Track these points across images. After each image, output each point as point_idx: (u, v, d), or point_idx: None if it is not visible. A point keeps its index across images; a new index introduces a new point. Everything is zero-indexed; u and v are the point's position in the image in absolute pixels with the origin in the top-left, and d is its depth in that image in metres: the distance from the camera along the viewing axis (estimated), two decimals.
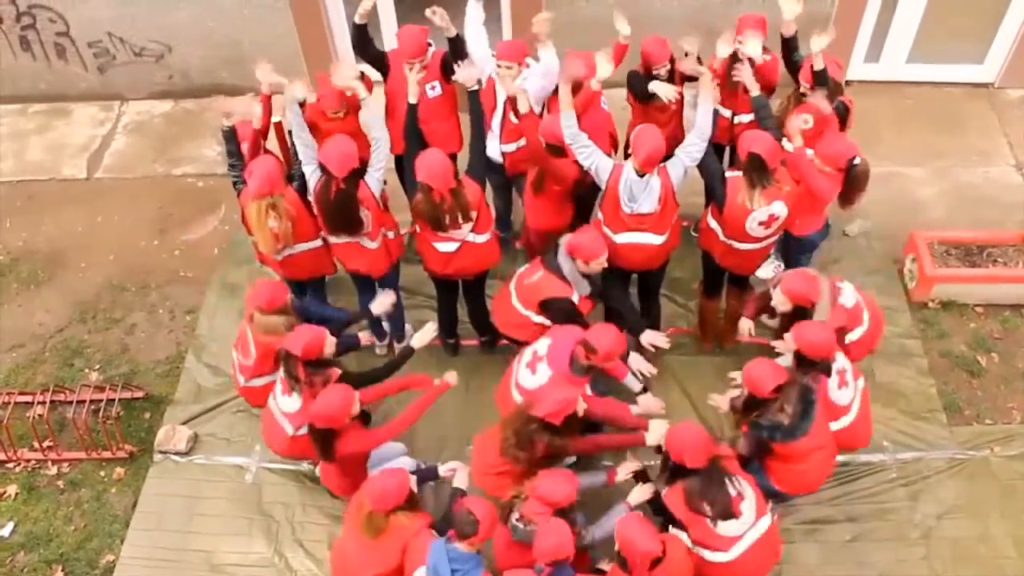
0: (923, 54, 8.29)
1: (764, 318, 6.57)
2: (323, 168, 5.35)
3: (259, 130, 5.81)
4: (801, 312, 5.12)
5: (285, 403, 5.19)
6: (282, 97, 5.60)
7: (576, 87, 5.63)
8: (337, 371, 5.14)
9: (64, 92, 8.74)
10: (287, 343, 5.04)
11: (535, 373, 5.11)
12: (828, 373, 4.94)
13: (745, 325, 5.59)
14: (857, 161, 5.40)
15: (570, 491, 4.49)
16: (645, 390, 5.33)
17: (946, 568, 5.38)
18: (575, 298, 5.40)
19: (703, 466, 4.48)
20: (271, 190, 5.34)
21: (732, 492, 4.49)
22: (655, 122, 5.73)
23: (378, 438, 5.06)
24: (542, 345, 5.18)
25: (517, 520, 4.50)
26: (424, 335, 5.47)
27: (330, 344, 5.10)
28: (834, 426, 5.02)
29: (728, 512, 4.47)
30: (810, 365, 4.88)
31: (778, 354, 5.12)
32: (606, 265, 5.38)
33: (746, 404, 4.84)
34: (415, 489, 4.61)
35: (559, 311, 5.39)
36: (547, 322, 5.43)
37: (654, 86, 5.89)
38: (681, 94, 5.86)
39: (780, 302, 5.18)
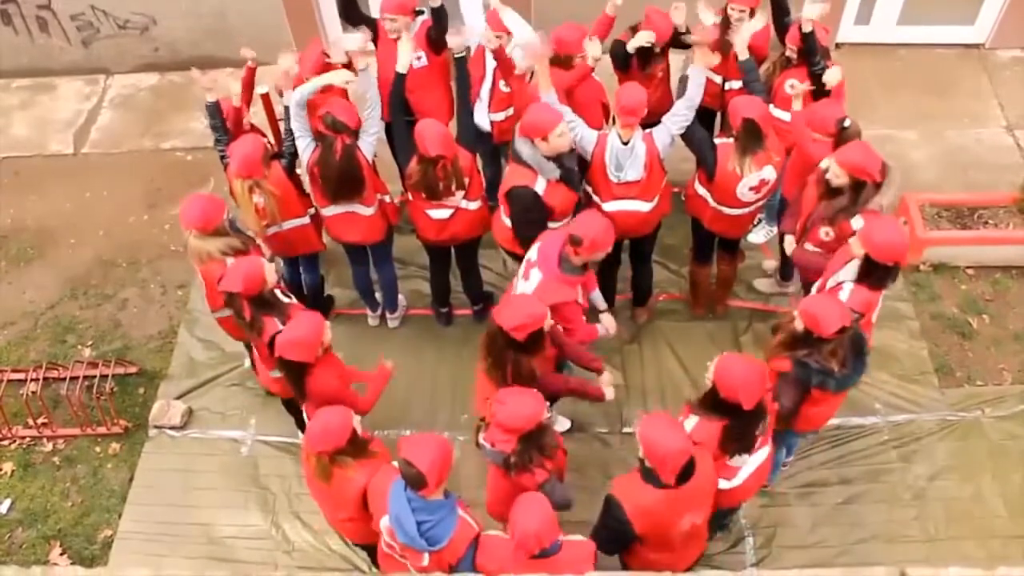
0: (914, 15, 8.24)
1: (757, 282, 6.63)
2: (322, 134, 5.30)
3: (238, 108, 5.76)
4: (859, 188, 4.82)
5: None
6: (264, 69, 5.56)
7: (567, 63, 5.60)
8: (275, 320, 4.68)
9: (48, 66, 8.64)
10: (224, 282, 4.70)
11: (527, 280, 4.93)
12: (892, 280, 4.58)
13: (789, 244, 5.33)
14: (847, 123, 5.37)
15: (533, 412, 4.06)
16: (607, 309, 5.26)
17: (938, 528, 5.43)
18: (540, 185, 5.12)
19: (753, 408, 4.04)
20: (249, 174, 5.27)
21: (759, 431, 4.22)
22: None
23: (355, 376, 4.80)
24: (533, 251, 4.97)
25: (484, 440, 4.19)
26: None
27: (271, 271, 4.74)
28: None
29: (748, 450, 4.24)
30: (880, 273, 4.51)
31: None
32: (570, 136, 5.11)
33: (796, 339, 4.37)
34: (359, 430, 4.16)
35: (519, 200, 5.17)
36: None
37: (636, 40, 5.85)
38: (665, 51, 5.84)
39: (836, 175, 4.88)
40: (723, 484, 4.37)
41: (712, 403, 4.17)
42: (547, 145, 5.05)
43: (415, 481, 3.80)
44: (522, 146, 5.11)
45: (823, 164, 5.03)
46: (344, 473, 4.12)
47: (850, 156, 4.89)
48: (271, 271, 4.77)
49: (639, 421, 4.01)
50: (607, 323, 5.23)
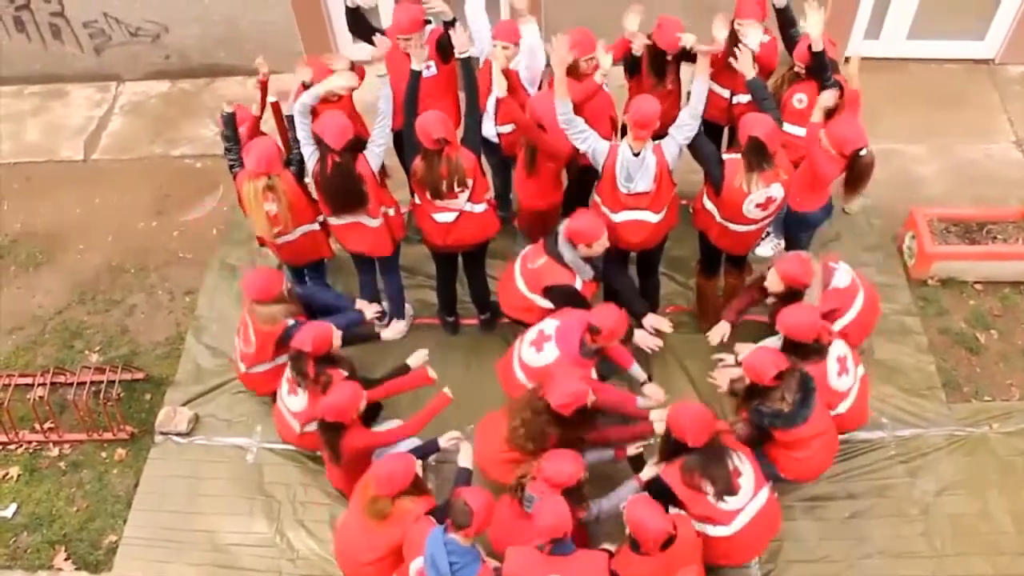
0: (923, 30, 8.24)
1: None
2: (319, 144, 5.33)
3: (258, 116, 5.81)
4: (793, 294, 5.19)
5: (292, 402, 5.32)
6: (276, 78, 5.57)
7: (579, 75, 5.61)
8: (342, 372, 5.21)
9: (60, 73, 8.68)
10: (295, 342, 5.17)
11: (541, 352, 5.15)
12: (822, 355, 5.00)
13: (719, 332, 5.55)
14: (864, 152, 5.35)
15: (575, 471, 4.52)
16: (650, 379, 5.46)
17: (944, 544, 5.40)
18: (578, 284, 5.41)
19: (703, 444, 4.54)
20: (268, 170, 5.33)
21: (730, 467, 4.58)
22: None
23: (383, 439, 5.13)
24: (549, 325, 5.22)
25: (529, 495, 4.55)
26: (416, 358, 5.54)
27: (337, 337, 5.22)
28: (831, 413, 5.13)
29: (728, 488, 4.55)
30: (800, 349, 4.97)
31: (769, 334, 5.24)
32: (607, 245, 5.38)
33: (747, 392, 4.89)
34: (420, 473, 4.70)
35: (562, 297, 5.41)
36: (552, 306, 5.46)
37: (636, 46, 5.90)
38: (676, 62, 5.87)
39: (774, 283, 5.25)
40: (718, 531, 4.60)
41: (666, 446, 4.71)
42: (587, 251, 5.32)
43: (463, 517, 4.24)
44: (565, 249, 5.36)
45: (768, 279, 5.29)
46: (403, 505, 4.57)
47: (789, 268, 5.20)
48: (338, 337, 5.24)
49: (626, 505, 4.45)
50: (652, 393, 5.32)
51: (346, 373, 5.21)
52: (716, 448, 4.60)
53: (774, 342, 5.17)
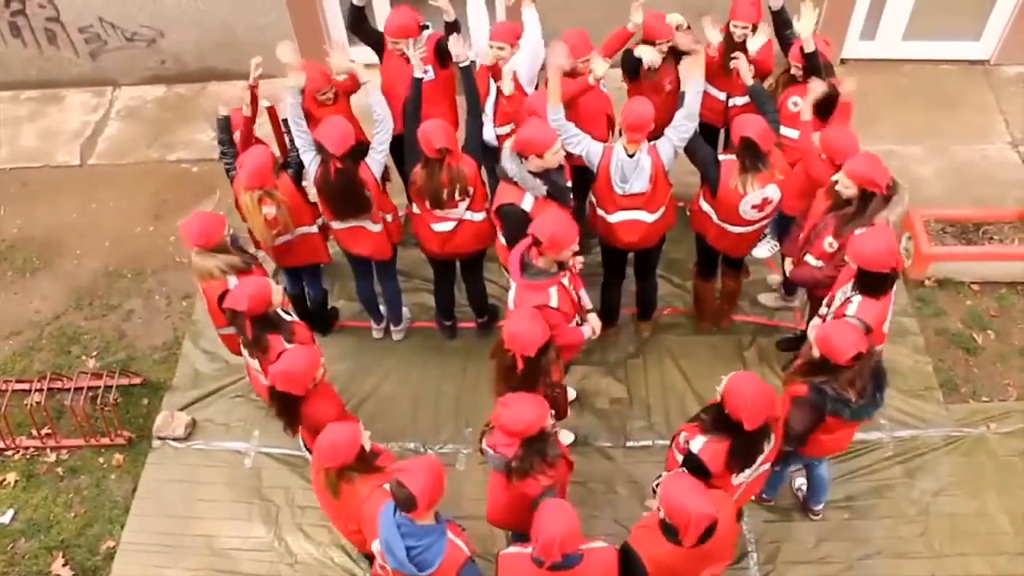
0: (919, 31, 8.26)
1: (762, 297, 6.62)
2: (320, 150, 5.32)
3: (249, 117, 5.81)
4: (867, 199, 4.88)
5: (254, 362, 4.96)
6: (272, 83, 5.58)
7: (575, 75, 5.61)
8: (281, 339, 4.72)
9: (56, 78, 8.69)
10: (228, 300, 4.75)
11: (511, 290, 4.92)
12: (890, 288, 4.64)
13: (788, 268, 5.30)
14: None
15: (535, 417, 4.04)
16: (593, 309, 5.20)
17: (943, 544, 5.40)
18: (528, 202, 5.09)
19: (758, 428, 4.06)
20: (261, 184, 5.29)
21: (763, 451, 4.23)
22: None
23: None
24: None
25: (487, 445, 4.21)
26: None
27: (277, 293, 4.78)
28: None
29: (751, 465, 4.22)
30: (874, 283, 4.59)
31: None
32: (563, 154, 5.12)
33: (813, 366, 4.37)
34: (367, 445, 4.16)
35: (508, 218, 5.17)
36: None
37: (639, 51, 5.86)
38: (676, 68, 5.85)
39: (845, 185, 4.90)
40: None
41: (717, 419, 4.17)
42: (540, 162, 5.01)
43: (406, 503, 3.74)
44: (508, 163, 5.09)
45: (834, 176, 5.04)
46: (351, 488, 4.11)
47: (858, 167, 4.91)
48: (277, 292, 4.78)
49: (662, 481, 3.96)
50: (593, 323, 5.08)
51: (287, 344, 4.69)
52: (765, 433, 4.14)
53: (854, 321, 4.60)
